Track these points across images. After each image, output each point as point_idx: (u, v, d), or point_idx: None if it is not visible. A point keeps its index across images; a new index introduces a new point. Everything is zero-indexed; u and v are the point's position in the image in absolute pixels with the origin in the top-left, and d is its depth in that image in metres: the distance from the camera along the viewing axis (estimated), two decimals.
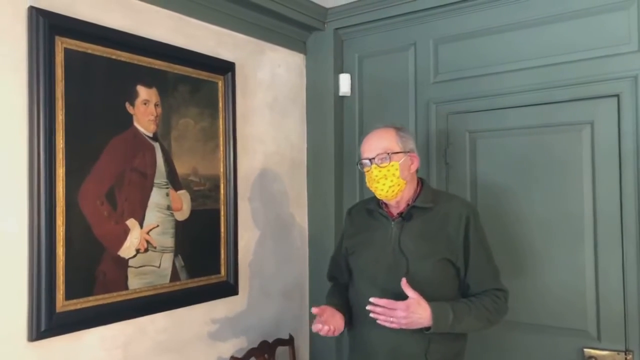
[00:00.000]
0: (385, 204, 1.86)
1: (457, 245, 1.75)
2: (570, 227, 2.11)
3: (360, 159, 1.82)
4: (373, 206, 1.89)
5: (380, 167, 1.74)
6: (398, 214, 1.82)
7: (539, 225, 2.17)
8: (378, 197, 1.81)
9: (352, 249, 1.91)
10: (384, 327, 1.70)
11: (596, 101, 2.07)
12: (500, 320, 1.77)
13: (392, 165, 1.74)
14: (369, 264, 1.82)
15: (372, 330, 1.76)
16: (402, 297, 1.68)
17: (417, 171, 1.84)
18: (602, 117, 2.06)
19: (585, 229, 2.08)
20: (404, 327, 1.63)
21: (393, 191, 1.75)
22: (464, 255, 1.75)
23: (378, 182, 1.75)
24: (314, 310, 1.76)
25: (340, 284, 2.03)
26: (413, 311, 1.61)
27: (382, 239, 1.82)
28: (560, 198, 2.13)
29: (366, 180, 1.80)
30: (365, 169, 1.79)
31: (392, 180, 1.74)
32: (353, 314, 1.88)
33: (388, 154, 1.74)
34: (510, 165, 2.25)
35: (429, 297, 1.66)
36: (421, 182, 1.87)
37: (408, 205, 1.81)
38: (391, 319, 1.62)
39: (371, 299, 1.65)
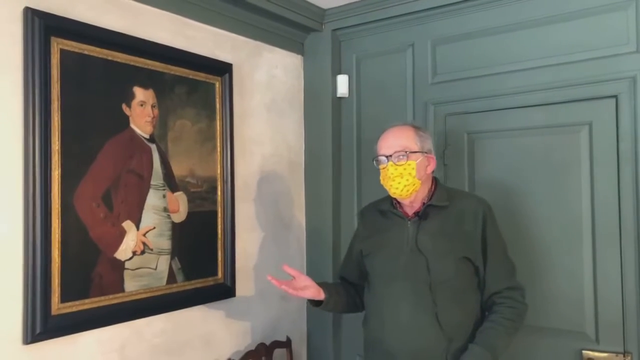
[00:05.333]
0: (399, 204, 1.83)
1: (475, 242, 1.74)
2: (569, 229, 2.10)
3: (376, 156, 1.79)
4: (387, 206, 1.87)
5: (397, 165, 1.72)
6: (414, 213, 1.80)
7: (537, 226, 2.16)
8: (392, 195, 1.78)
9: (367, 251, 1.89)
10: (405, 327, 1.72)
11: (594, 102, 2.07)
12: (524, 321, 1.78)
13: (409, 164, 1.71)
14: (385, 265, 1.81)
15: (392, 331, 1.75)
16: (420, 295, 1.70)
17: (432, 171, 1.82)
18: (600, 118, 2.05)
19: (583, 231, 2.07)
20: None
21: (408, 190, 1.73)
22: (482, 253, 1.75)
23: (393, 180, 1.72)
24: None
25: (346, 282, 2.03)
26: None
27: (398, 238, 1.79)
28: (559, 199, 2.13)
29: (381, 177, 1.78)
30: (381, 166, 1.77)
31: (407, 180, 1.71)
32: (369, 315, 1.87)
33: (406, 152, 1.72)
34: (509, 167, 2.25)
35: (450, 296, 1.68)
36: (435, 181, 1.85)
37: (423, 204, 1.79)
38: None
39: None
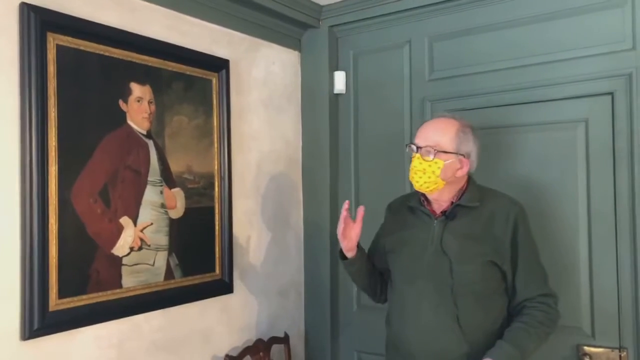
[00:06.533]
0: (428, 201, 1.78)
1: (504, 247, 1.66)
2: (565, 225, 2.11)
3: (409, 142, 1.75)
4: (415, 203, 1.81)
5: (423, 159, 1.66)
6: (441, 212, 1.74)
7: (533, 223, 2.14)
8: (414, 187, 1.73)
9: (391, 247, 1.84)
10: (425, 328, 1.67)
11: (591, 99, 2.07)
12: (556, 328, 1.71)
13: (435, 163, 1.64)
14: (408, 264, 1.76)
15: (412, 331, 1.71)
16: (442, 297, 1.65)
17: (466, 174, 1.73)
18: (596, 115, 2.06)
19: (579, 227, 2.08)
20: None
21: (428, 187, 1.68)
22: (511, 258, 1.66)
23: (415, 174, 1.68)
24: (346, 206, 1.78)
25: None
26: None
27: (423, 237, 1.73)
28: (555, 195, 2.13)
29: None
30: (412, 154, 1.72)
31: (429, 177, 1.65)
32: (391, 314, 1.84)
33: (436, 150, 1.65)
34: (505, 163, 2.25)
35: (473, 299, 1.64)
36: (469, 180, 1.76)
37: (452, 203, 1.72)
38: None
39: None
